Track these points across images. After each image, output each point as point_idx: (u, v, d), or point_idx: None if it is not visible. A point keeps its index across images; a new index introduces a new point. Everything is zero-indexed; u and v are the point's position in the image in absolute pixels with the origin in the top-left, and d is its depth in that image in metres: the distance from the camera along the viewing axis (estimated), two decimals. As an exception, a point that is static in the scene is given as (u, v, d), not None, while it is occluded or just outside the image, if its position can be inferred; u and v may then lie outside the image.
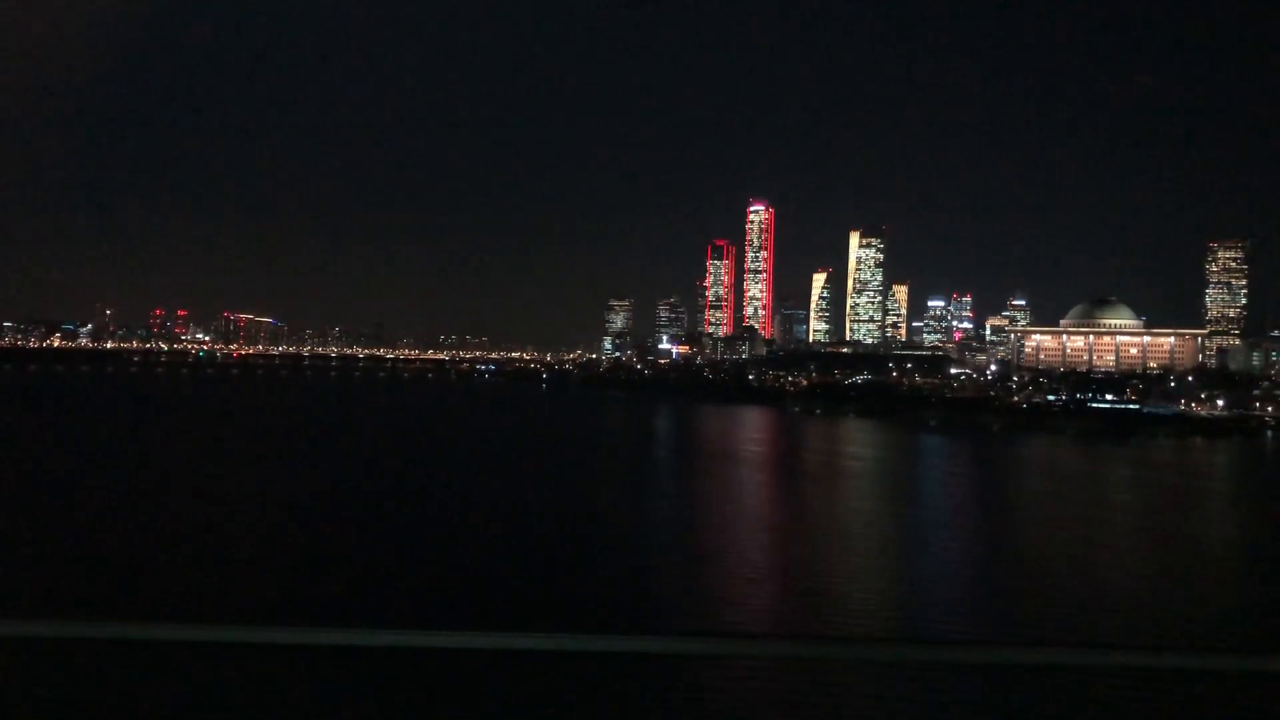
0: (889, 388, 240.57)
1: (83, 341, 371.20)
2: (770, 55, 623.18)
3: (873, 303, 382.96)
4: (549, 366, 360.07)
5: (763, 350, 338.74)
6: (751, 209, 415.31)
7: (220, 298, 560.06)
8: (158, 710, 27.37)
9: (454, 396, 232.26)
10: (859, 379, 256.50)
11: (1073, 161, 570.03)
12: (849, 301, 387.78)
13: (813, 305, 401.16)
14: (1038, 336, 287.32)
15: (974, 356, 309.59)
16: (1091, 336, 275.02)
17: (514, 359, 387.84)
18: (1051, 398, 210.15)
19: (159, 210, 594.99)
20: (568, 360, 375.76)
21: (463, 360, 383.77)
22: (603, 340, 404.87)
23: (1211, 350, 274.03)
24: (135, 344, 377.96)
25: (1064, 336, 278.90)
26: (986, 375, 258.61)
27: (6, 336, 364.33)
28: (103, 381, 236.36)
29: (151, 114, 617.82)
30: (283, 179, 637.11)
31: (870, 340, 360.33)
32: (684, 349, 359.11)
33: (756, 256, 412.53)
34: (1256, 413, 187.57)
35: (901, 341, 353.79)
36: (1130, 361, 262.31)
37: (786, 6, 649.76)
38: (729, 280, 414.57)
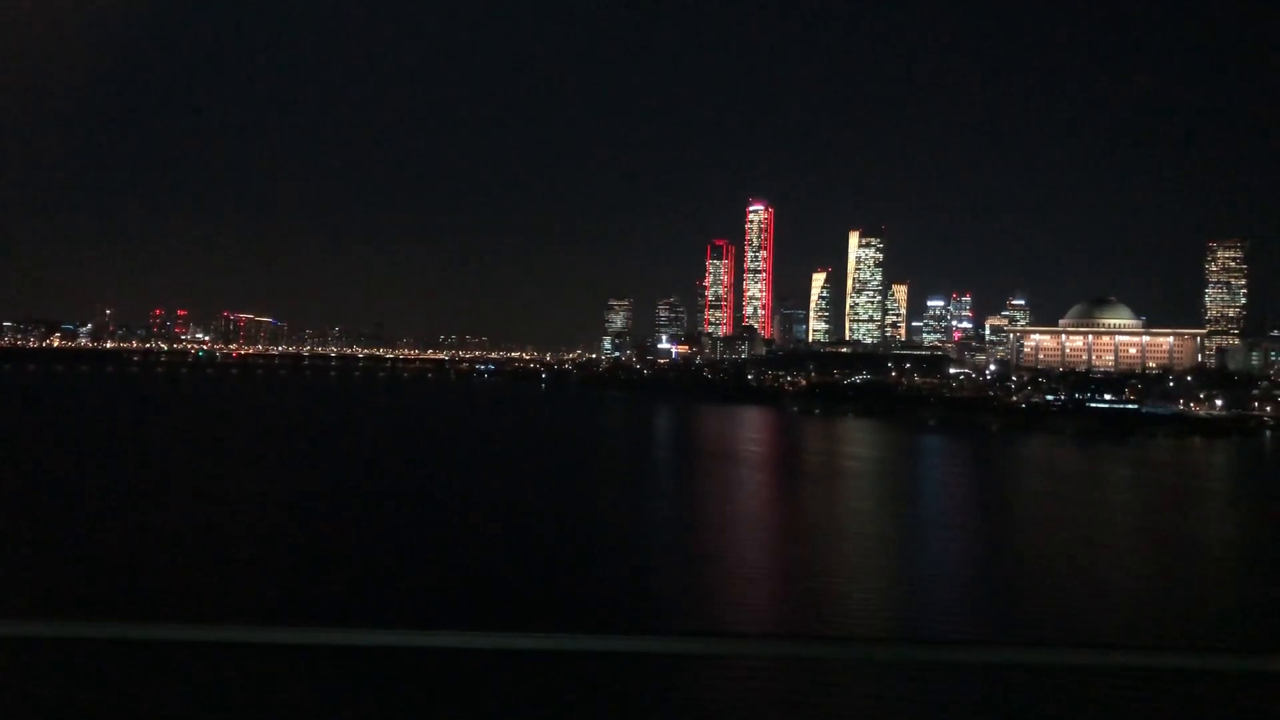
0: (888, 387, 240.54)
1: (82, 341, 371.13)
2: (770, 55, 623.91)
3: (872, 302, 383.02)
4: (548, 366, 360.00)
5: (762, 350, 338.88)
6: (751, 209, 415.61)
7: (220, 298, 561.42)
8: (158, 710, 27.35)
9: (453, 396, 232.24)
10: (858, 379, 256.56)
11: (1073, 161, 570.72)
12: (848, 301, 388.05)
13: (812, 305, 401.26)
14: (1037, 336, 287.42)
15: (973, 356, 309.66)
16: (1090, 336, 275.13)
17: (514, 359, 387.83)
18: (1050, 397, 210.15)
19: (159, 210, 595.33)
20: (567, 360, 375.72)
21: (462, 360, 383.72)
22: (602, 340, 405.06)
23: (1211, 350, 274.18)
24: (135, 344, 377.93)
25: (1063, 336, 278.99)
26: (985, 375, 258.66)
27: (6, 336, 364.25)
28: (102, 381, 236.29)
29: (151, 114, 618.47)
30: (283, 179, 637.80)
31: (870, 340, 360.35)
32: (683, 349, 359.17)
33: (756, 256, 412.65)
34: (1255, 413, 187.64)
35: (901, 341, 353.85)
36: (1129, 361, 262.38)
37: (786, 6, 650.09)
38: (729, 280, 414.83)
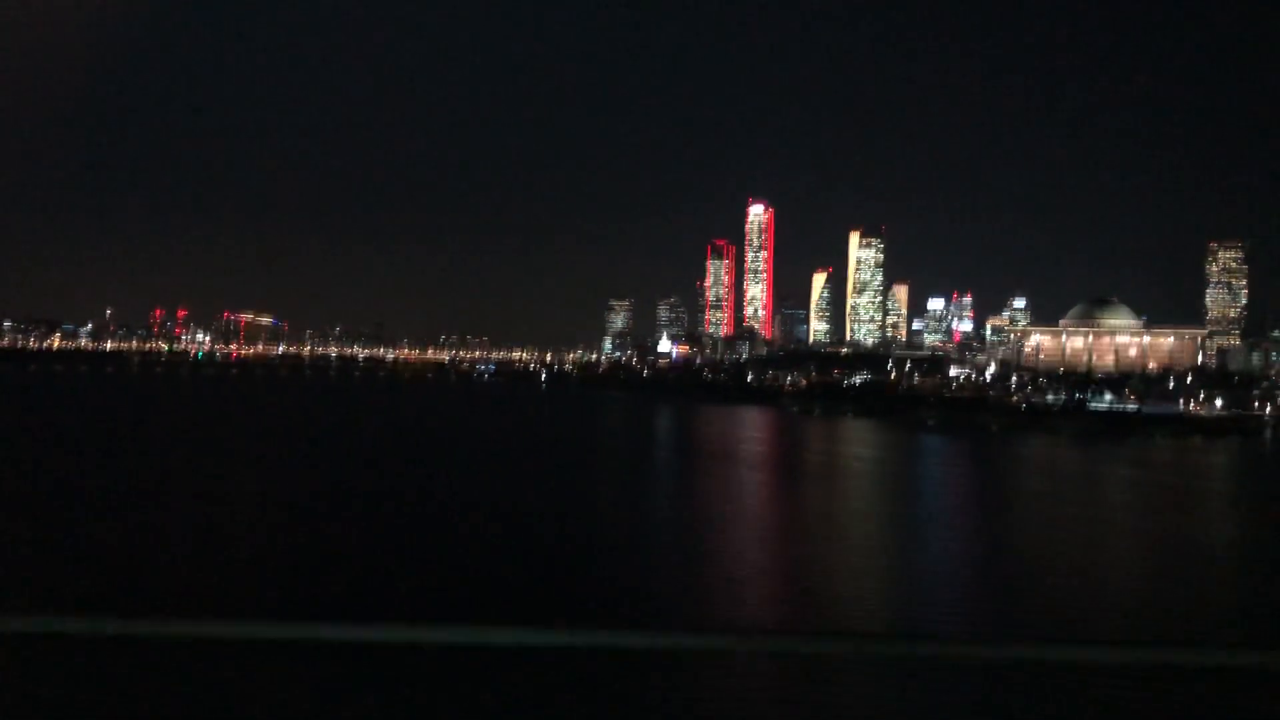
0: (887, 388, 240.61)
1: (82, 341, 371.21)
2: (770, 55, 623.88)
3: (873, 303, 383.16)
4: (548, 366, 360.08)
5: (762, 350, 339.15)
6: (751, 209, 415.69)
7: (220, 298, 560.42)
8: (158, 710, 27.37)
9: (453, 396, 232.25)
10: (858, 379, 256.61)
11: (1073, 161, 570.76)
12: (849, 302, 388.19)
13: (813, 305, 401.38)
14: (1037, 336, 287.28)
15: (974, 357, 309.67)
16: (1091, 336, 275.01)
17: (514, 359, 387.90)
18: (1050, 398, 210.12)
19: (159, 210, 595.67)
20: (567, 360, 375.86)
21: (462, 360, 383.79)
22: (603, 340, 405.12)
23: (1212, 350, 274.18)
24: (135, 344, 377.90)
25: (1063, 336, 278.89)
26: (986, 376, 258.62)
27: (6, 336, 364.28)
28: (102, 382, 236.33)
29: (151, 114, 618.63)
30: (283, 179, 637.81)
31: (870, 340, 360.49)
32: (684, 349, 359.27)
33: (756, 256, 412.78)
34: (1255, 413, 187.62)
35: (902, 342, 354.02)
36: (1130, 362, 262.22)
37: (786, 6, 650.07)
38: (729, 280, 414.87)
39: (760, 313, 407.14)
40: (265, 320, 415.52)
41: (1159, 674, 27.77)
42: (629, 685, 29.24)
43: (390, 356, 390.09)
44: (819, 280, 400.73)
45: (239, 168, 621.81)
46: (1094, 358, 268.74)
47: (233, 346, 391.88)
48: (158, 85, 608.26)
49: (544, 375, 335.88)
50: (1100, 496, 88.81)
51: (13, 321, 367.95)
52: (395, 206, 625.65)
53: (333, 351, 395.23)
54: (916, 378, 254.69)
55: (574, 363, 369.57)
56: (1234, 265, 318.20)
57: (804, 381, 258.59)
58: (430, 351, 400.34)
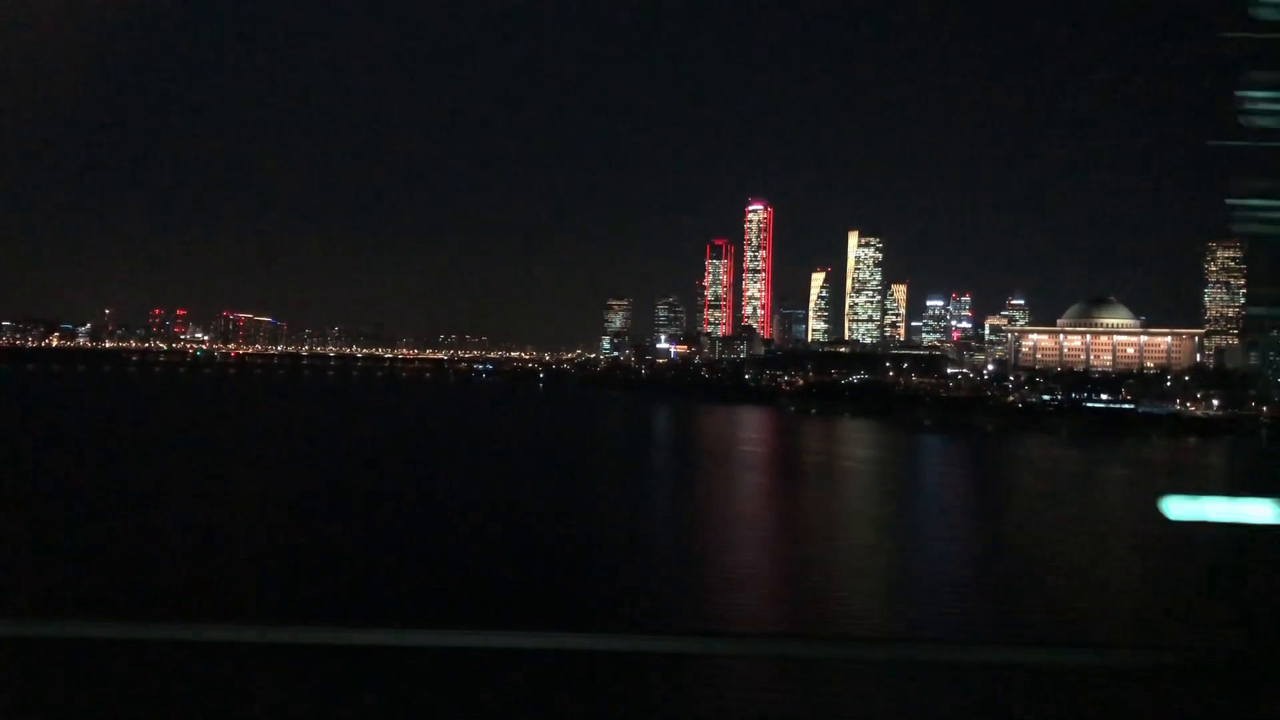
0: (885, 387, 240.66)
1: (81, 341, 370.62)
2: (770, 55, 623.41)
3: (871, 302, 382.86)
4: (546, 366, 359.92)
5: (761, 350, 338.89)
6: (750, 208, 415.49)
7: (220, 298, 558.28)
8: (158, 710, 27.40)
9: (452, 396, 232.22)
10: (855, 379, 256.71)
11: (1073, 161, 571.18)
12: (848, 301, 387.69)
13: (811, 305, 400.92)
14: (1035, 336, 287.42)
15: (972, 356, 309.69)
16: (1088, 336, 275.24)
17: (513, 359, 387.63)
18: (1047, 397, 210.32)
19: (159, 210, 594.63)
20: (565, 360, 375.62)
21: (461, 360, 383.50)
22: (601, 340, 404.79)
23: (1210, 350, 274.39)
24: (134, 344, 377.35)
25: (1061, 336, 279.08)
26: (984, 375, 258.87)
27: (4, 336, 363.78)
28: (101, 381, 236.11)
29: (151, 114, 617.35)
30: (283, 179, 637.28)
31: (869, 340, 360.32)
32: (682, 349, 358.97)
33: (755, 256, 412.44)
34: (1252, 412, 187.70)
35: (900, 341, 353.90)
36: (1127, 361, 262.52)
37: (786, 6, 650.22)
38: (728, 280, 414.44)
39: (759, 312, 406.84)
40: (264, 320, 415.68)
41: (1159, 674, 27.79)
42: (628, 688, 29.26)
43: (388, 356, 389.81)
44: (817, 279, 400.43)
45: (239, 168, 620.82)
46: (1092, 357, 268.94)
47: (231, 346, 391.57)
48: (158, 85, 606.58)
49: (541, 375, 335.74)
50: (1097, 496, 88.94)
51: (11, 321, 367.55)
52: (395, 206, 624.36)
53: (331, 351, 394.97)
54: (914, 377, 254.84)
55: (572, 362, 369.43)
56: (1233, 265, 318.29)
57: (801, 381, 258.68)
58: (429, 351, 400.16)
